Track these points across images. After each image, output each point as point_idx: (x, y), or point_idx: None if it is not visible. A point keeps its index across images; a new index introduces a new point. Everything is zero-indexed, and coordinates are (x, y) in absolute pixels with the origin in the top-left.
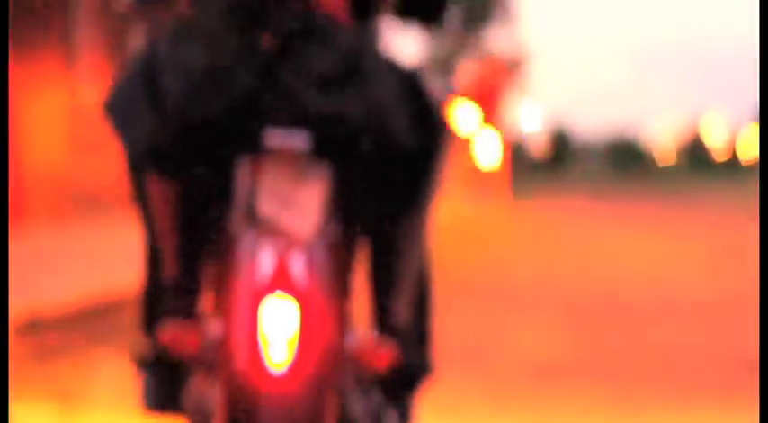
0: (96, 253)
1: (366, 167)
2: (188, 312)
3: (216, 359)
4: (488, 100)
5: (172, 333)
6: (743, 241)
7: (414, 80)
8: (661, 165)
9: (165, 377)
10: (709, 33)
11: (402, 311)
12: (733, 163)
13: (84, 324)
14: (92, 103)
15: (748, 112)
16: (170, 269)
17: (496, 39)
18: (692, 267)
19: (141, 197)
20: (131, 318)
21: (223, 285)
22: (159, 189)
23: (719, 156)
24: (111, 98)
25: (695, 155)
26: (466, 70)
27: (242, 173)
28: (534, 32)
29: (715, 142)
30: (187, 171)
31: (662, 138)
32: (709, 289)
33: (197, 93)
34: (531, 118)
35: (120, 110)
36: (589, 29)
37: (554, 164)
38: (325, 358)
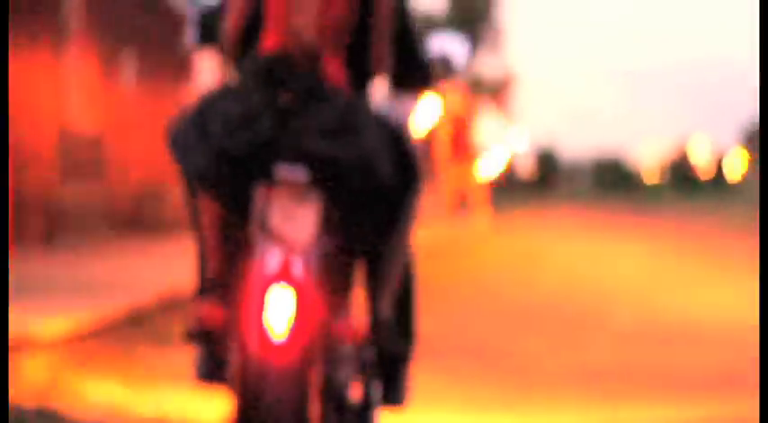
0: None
1: (354, 197)
2: (221, 297)
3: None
4: (462, 125)
5: (205, 309)
6: (726, 252)
7: (397, 133)
8: (647, 183)
9: (211, 351)
10: (699, 61)
11: (386, 308)
12: (719, 183)
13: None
14: (82, 125)
15: (734, 136)
16: (212, 265)
17: (484, 62)
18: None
19: (194, 214)
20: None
21: (244, 277)
22: (205, 207)
23: (705, 176)
24: (173, 136)
25: (681, 174)
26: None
27: (258, 196)
28: (525, 55)
29: (701, 163)
30: (223, 194)
31: (649, 158)
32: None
33: (231, 135)
34: (519, 139)
35: (178, 146)
36: (580, 53)
37: (541, 183)
38: (314, 333)
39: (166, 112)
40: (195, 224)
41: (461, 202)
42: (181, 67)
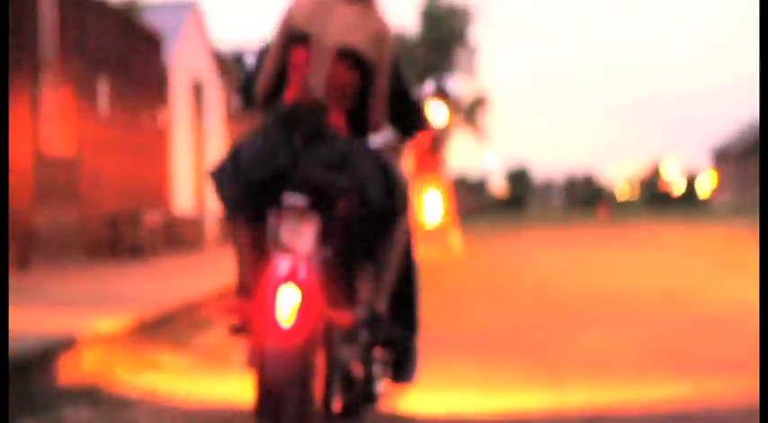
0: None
1: (349, 216)
2: (248, 295)
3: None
4: (427, 155)
5: (232, 304)
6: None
7: (388, 166)
8: (620, 200)
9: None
10: (676, 91)
11: (382, 302)
12: (690, 200)
13: None
14: (57, 150)
15: (704, 156)
16: (244, 271)
17: (458, 84)
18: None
19: (232, 232)
20: None
21: (262, 279)
22: (237, 225)
23: (677, 193)
24: (215, 171)
25: (653, 192)
26: None
27: (272, 218)
28: (500, 76)
29: (672, 181)
30: (248, 216)
31: (622, 176)
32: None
33: (254, 168)
34: (491, 158)
35: (218, 179)
36: (555, 75)
37: (513, 201)
38: (315, 321)
39: (141, 137)
40: (233, 238)
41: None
42: (155, 92)
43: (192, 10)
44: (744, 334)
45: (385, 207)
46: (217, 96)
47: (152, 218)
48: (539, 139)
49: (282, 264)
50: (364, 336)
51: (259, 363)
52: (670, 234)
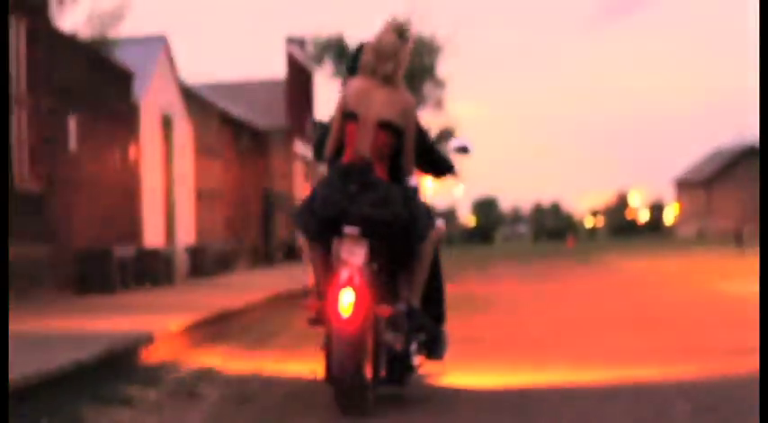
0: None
1: (389, 240)
2: (321, 296)
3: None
4: None
5: (311, 303)
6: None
7: (415, 200)
8: (587, 230)
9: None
10: (646, 118)
11: (416, 299)
12: (656, 229)
13: None
14: (27, 185)
15: (667, 187)
16: (316, 279)
17: (427, 116)
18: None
19: (309, 253)
20: None
21: (330, 284)
22: (313, 248)
23: (641, 222)
24: (298, 212)
25: (620, 221)
26: None
27: (336, 243)
28: (468, 107)
29: (639, 210)
30: (320, 241)
31: (589, 205)
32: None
33: (323, 208)
34: (459, 189)
35: (299, 217)
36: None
37: (481, 230)
38: (366, 313)
39: (111, 172)
40: (311, 257)
41: None
42: (125, 127)
43: (161, 44)
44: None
45: (413, 231)
46: (185, 130)
47: (123, 253)
48: (506, 169)
49: (343, 274)
50: (404, 324)
51: (328, 341)
52: (633, 267)
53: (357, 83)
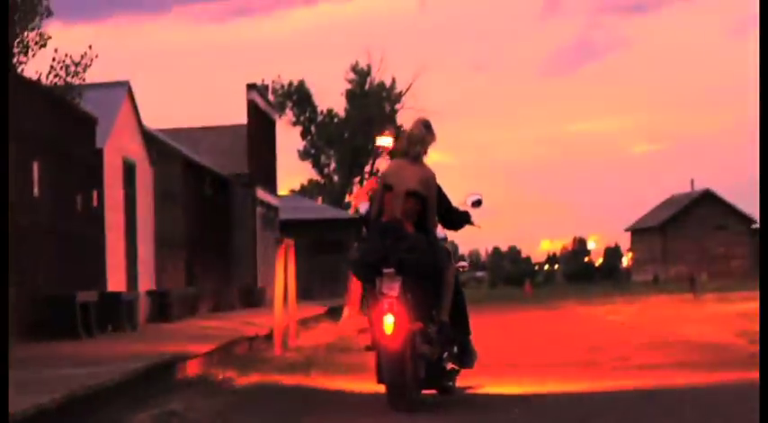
0: None
1: (420, 276)
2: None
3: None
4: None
5: (365, 329)
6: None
7: (437, 245)
8: (545, 275)
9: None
10: (606, 162)
11: (445, 316)
12: (613, 275)
13: None
14: None
15: (626, 237)
16: (362, 307)
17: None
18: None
19: (361, 286)
20: None
21: (374, 311)
22: (359, 284)
23: (598, 265)
24: (352, 260)
25: (577, 267)
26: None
27: (378, 281)
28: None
29: (596, 256)
30: (367, 280)
31: (547, 251)
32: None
33: (368, 255)
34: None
35: (354, 263)
36: (480, 150)
37: None
38: (405, 331)
39: (74, 218)
40: (363, 290)
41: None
42: (88, 174)
43: (124, 90)
44: None
45: (435, 267)
46: (147, 176)
47: (86, 298)
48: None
49: (384, 303)
50: (435, 337)
51: (377, 355)
52: (590, 314)
53: (393, 163)
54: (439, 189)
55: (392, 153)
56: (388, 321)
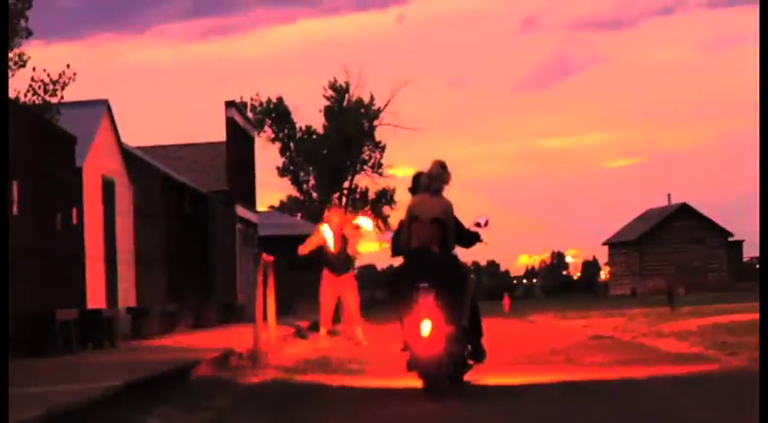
0: None
1: (447, 287)
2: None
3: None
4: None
5: (404, 330)
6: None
7: (458, 262)
8: (524, 289)
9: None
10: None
11: (465, 320)
12: (591, 289)
13: None
14: None
15: (603, 251)
16: (401, 315)
17: (365, 178)
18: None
19: (397, 301)
20: None
21: (411, 317)
22: (404, 300)
23: (576, 277)
24: (389, 274)
25: (555, 280)
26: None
27: (414, 293)
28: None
29: (574, 270)
30: (404, 293)
31: (525, 265)
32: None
33: (406, 272)
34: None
35: (390, 279)
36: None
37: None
38: (441, 335)
39: (53, 237)
40: (399, 303)
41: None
42: (67, 193)
43: (103, 108)
44: None
45: (459, 280)
46: (127, 193)
47: (65, 316)
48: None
49: (423, 311)
50: (461, 337)
51: (414, 358)
52: (569, 328)
53: (417, 198)
54: (455, 218)
55: (412, 190)
56: (427, 325)
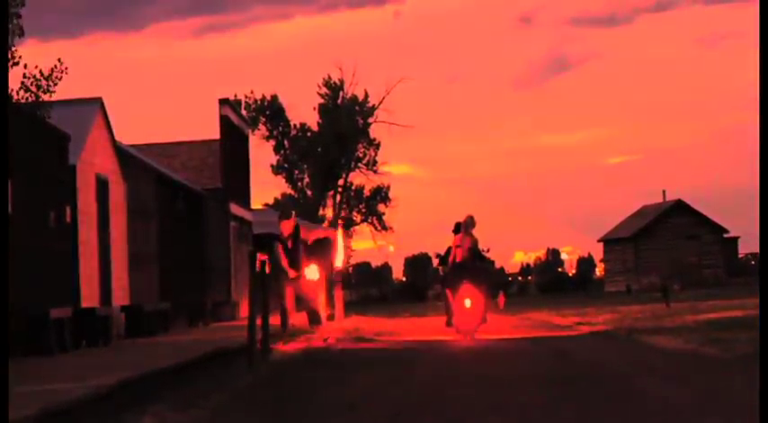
0: None
1: (485, 281)
2: (449, 314)
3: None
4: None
5: (450, 302)
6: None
7: (484, 266)
8: (519, 286)
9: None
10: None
11: (489, 300)
12: (586, 286)
13: None
14: None
15: (595, 243)
16: (449, 298)
17: (359, 175)
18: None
19: (447, 295)
20: None
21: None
22: (450, 293)
23: (571, 275)
24: (442, 277)
25: (550, 277)
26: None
27: (460, 286)
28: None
29: (569, 267)
30: (453, 288)
31: (520, 261)
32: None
33: (456, 274)
34: (391, 246)
35: (443, 280)
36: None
37: (412, 288)
38: (477, 306)
39: (47, 235)
40: (445, 294)
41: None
42: (61, 191)
43: (97, 106)
44: None
45: (487, 279)
46: (120, 191)
47: (59, 314)
48: (440, 227)
49: (465, 295)
50: (484, 311)
51: (457, 320)
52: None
53: (459, 236)
54: (476, 244)
55: (455, 230)
56: (468, 302)
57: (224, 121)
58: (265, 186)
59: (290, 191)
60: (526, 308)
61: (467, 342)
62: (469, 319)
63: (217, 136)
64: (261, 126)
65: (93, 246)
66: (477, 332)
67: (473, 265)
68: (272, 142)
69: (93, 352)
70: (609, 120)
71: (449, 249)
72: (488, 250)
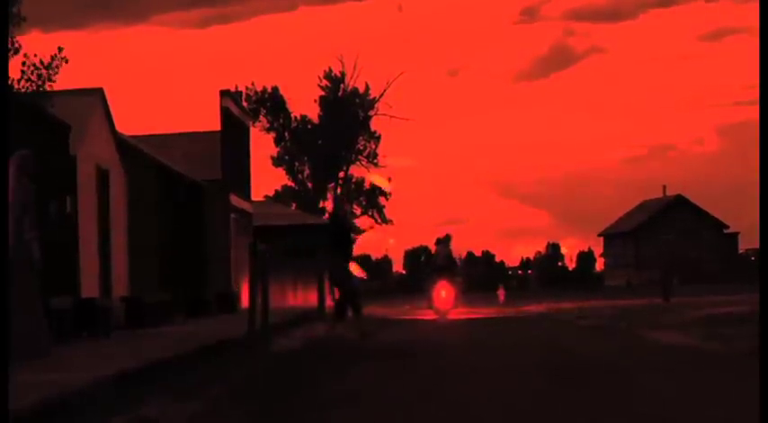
0: None
1: (453, 278)
2: (431, 299)
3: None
4: None
5: (433, 293)
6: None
7: (456, 268)
8: (519, 280)
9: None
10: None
11: (458, 289)
12: (585, 280)
13: None
14: None
15: (595, 237)
16: (432, 287)
17: (360, 168)
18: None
19: (430, 281)
20: None
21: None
22: (434, 282)
23: (571, 269)
24: (431, 264)
25: (550, 271)
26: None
27: (439, 279)
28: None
29: (569, 261)
30: (441, 275)
31: (520, 255)
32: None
33: (437, 271)
34: (391, 240)
35: (428, 274)
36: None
37: (412, 283)
38: (450, 293)
39: (47, 225)
40: (431, 284)
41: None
42: (61, 181)
43: (98, 96)
44: None
45: (456, 275)
46: (121, 182)
47: (59, 304)
48: (440, 220)
49: (441, 284)
50: (454, 299)
51: (435, 305)
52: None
53: (440, 247)
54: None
55: (436, 243)
56: (443, 291)
57: (225, 112)
58: (265, 178)
59: (290, 183)
60: (527, 301)
61: (442, 320)
62: (444, 304)
63: (218, 127)
64: (262, 118)
65: (93, 236)
66: (450, 314)
67: (448, 268)
68: (273, 134)
69: (94, 343)
70: (611, 114)
71: (431, 255)
72: (461, 257)
